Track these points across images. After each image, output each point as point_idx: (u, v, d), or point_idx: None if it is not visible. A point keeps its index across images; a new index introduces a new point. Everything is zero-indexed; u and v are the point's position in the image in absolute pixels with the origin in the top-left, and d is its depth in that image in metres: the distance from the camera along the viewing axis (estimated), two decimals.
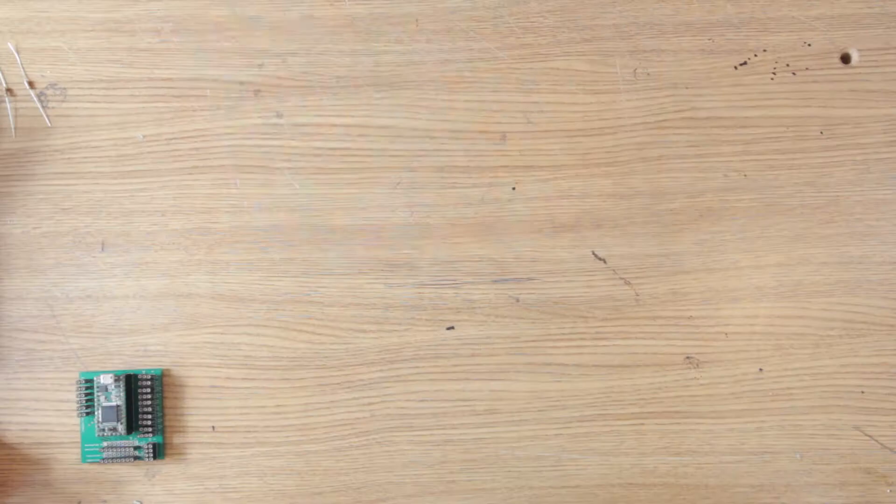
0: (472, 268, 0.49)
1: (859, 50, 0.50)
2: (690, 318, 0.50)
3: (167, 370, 0.49)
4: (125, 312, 0.49)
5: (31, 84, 0.49)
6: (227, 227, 0.49)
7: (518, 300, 0.50)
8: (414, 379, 0.50)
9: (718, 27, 0.50)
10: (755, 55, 0.50)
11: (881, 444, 0.50)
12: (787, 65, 0.50)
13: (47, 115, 0.49)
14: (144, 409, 0.48)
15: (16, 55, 0.49)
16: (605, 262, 0.50)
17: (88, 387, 0.48)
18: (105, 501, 0.49)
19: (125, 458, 0.48)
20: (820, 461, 0.50)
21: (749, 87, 0.50)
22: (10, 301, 0.49)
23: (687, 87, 0.50)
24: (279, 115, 0.49)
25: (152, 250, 0.49)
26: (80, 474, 0.49)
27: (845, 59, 0.50)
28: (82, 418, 0.49)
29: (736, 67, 0.50)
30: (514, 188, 0.50)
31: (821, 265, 0.50)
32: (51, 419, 0.49)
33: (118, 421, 0.48)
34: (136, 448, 0.48)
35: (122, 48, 0.49)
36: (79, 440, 0.49)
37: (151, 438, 0.49)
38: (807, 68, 0.50)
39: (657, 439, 0.50)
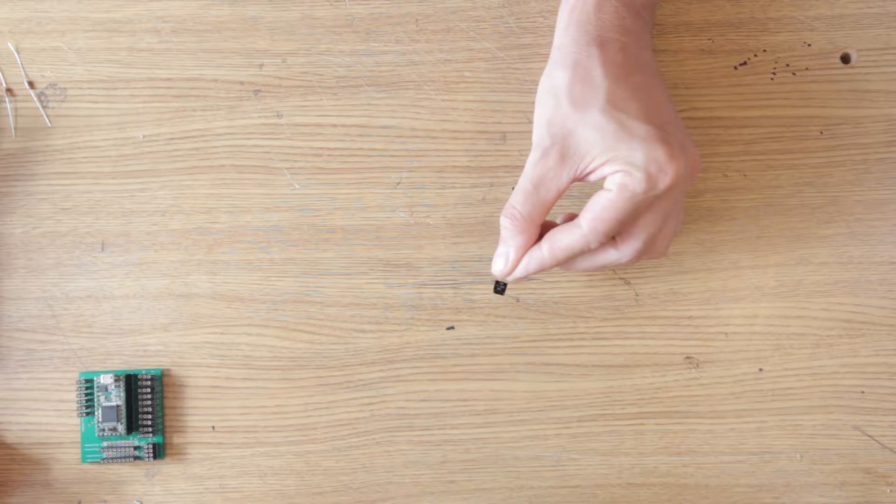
0: (472, 268, 0.49)
1: (859, 50, 0.50)
2: (690, 318, 0.50)
3: (167, 370, 0.49)
4: (125, 312, 0.49)
5: (31, 84, 0.49)
6: (227, 227, 0.49)
7: (518, 300, 0.50)
8: (414, 379, 0.49)
9: (718, 27, 0.50)
10: (755, 55, 0.50)
11: (881, 444, 0.50)
12: (787, 65, 0.50)
13: (47, 115, 0.49)
14: (144, 409, 0.48)
15: (16, 55, 0.49)
16: None
17: (88, 387, 0.48)
18: (105, 501, 0.49)
19: (125, 458, 0.48)
20: (820, 461, 0.50)
21: (749, 87, 0.50)
22: (10, 301, 0.49)
23: (687, 87, 0.50)
24: (279, 115, 0.49)
25: (152, 250, 0.49)
26: (80, 474, 0.49)
27: (845, 59, 0.50)
28: (82, 418, 0.49)
29: (736, 67, 0.50)
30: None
31: (821, 265, 0.50)
32: (51, 419, 0.49)
33: (118, 421, 0.48)
34: (136, 448, 0.48)
35: (122, 48, 0.49)
36: (79, 440, 0.49)
37: (151, 438, 0.49)
38: (807, 68, 0.50)
39: (657, 439, 0.50)
